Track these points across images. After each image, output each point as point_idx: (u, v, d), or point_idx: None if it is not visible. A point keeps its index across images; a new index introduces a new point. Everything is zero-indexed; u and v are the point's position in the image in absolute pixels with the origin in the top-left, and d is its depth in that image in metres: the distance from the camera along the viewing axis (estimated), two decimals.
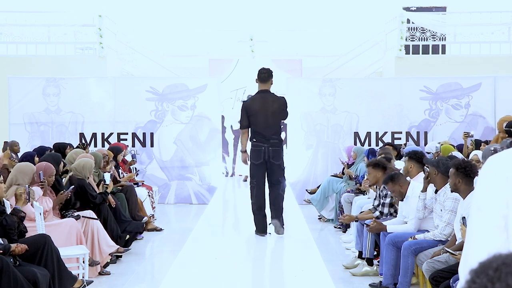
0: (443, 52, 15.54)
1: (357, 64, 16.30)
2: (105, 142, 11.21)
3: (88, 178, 7.05)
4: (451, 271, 4.49)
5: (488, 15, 15.00)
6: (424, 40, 15.06)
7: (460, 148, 9.22)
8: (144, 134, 11.36)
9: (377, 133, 11.25)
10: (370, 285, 5.83)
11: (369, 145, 10.99)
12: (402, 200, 6.01)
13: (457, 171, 4.79)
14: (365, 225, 6.26)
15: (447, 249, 4.76)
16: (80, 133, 11.29)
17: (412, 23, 14.86)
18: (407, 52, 14.81)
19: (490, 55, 14.72)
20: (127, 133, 11.34)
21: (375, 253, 6.30)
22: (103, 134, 11.32)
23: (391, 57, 14.84)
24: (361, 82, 12.16)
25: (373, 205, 6.73)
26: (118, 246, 6.62)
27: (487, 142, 8.89)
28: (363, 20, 17.04)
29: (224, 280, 6.11)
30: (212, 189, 11.48)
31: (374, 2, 17.49)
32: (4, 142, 10.37)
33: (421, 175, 6.08)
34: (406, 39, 14.63)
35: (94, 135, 11.31)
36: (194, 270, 6.47)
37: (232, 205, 11.98)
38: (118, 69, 15.36)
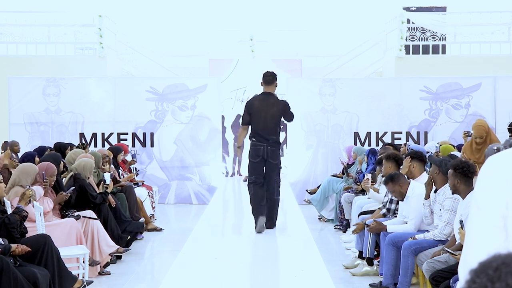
0: (443, 52, 15.54)
1: (357, 64, 16.30)
2: (105, 142, 11.21)
3: (89, 178, 7.05)
4: (451, 271, 4.48)
5: (488, 15, 15.00)
6: (424, 40, 15.06)
7: (460, 148, 9.22)
8: (144, 134, 11.36)
9: (377, 133, 11.25)
10: (370, 285, 5.83)
11: (369, 145, 10.99)
12: (402, 200, 6.01)
13: (455, 171, 4.78)
14: (365, 225, 6.26)
15: (447, 249, 4.76)
16: (80, 133, 11.29)
17: (412, 23, 14.87)
18: (407, 52, 14.82)
19: (490, 55, 14.73)
20: (127, 133, 11.34)
21: (375, 253, 6.30)
22: (103, 134, 11.32)
23: (391, 57, 14.84)
24: (361, 82, 12.16)
25: (383, 202, 6.71)
26: (118, 246, 6.62)
27: None
28: (363, 20, 17.04)
29: (224, 280, 6.11)
30: (212, 189, 11.48)
31: (374, 2, 17.49)
32: (4, 142, 10.37)
33: (423, 175, 6.08)
34: (406, 39, 14.63)
35: (94, 135, 11.31)
36: (194, 270, 6.47)
37: (232, 205, 11.99)
38: (118, 69, 15.36)
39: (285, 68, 16.09)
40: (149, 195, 9.38)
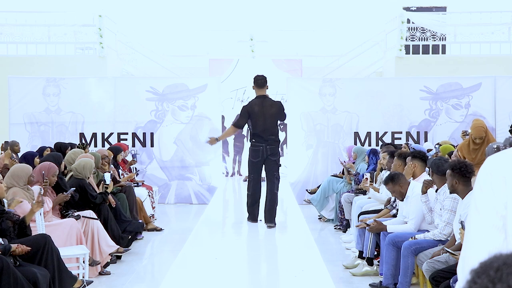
0: (443, 52, 15.54)
1: (357, 64, 16.30)
2: (105, 142, 11.21)
3: (89, 178, 7.05)
4: (451, 271, 4.48)
5: (488, 15, 15.00)
6: (424, 40, 15.06)
7: None
8: (144, 134, 11.35)
9: (377, 133, 11.25)
10: (370, 285, 5.83)
11: (369, 145, 10.99)
12: (402, 200, 6.02)
13: (453, 172, 4.78)
14: (365, 225, 6.26)
15: (447, 249, 4.76)
16: (80, 133, 11.29)
17: (412, 23, 14.87)
18: (407, 52, 14.82)
19: (490, 55, 14.73)
20: (127, 133, 11.34)
21: (375, 253, 6.30)
22: (103, 134, 11.32)
23: (391, 57, 14.84)
24: (361, 82, 12.15)
25: (390, 202, 6.71)
26: (118, 246, 6.62)
27: None
28: (363, 20, 17.05)
29: (224, 280, 6.11)
30: (212, 189, 11.48)
31: (374, 2, 17.49)
32: (5, 142, 10.37)
33: (424, 175, 6.09)
34: (406, 39, 14.63)
35: (94, 135, 11.31)
36: (194, 270, 6.48)
37: (232, 205, 11.98)
38: (118, 69, 15.36)
39: (285, 68, 16.10)
40: (149, 195, 9.38)
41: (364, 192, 7.98)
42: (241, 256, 7.43)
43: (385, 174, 7.35)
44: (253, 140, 8.78)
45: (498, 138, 10.43)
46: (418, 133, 11.22)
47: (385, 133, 11.24)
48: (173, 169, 11.41)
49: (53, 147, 9.31)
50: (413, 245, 5.35)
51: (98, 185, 7.32)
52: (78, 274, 5.71)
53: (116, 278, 6.21)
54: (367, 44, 16.31)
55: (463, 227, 4.51)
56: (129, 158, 10.31)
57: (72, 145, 9.42)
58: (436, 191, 5.51)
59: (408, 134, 11.21)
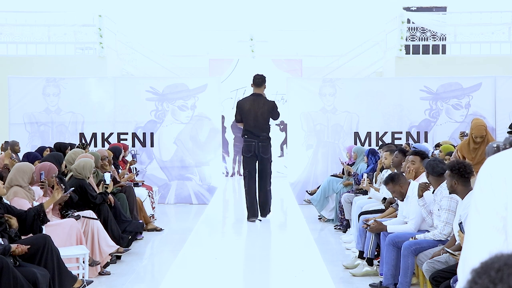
0: (443, 52, 15.54)
1: (357, 64, 16.29)
2: (105, 142, 11.20)
3: (88, 178, 7.04)
4: (451, 271, 4.48)
5: (489, 15, 15.00)
6: (424, 40, 15.06)
7: None
8: (144, 134, 11.35)
9: (377, 133, 11.24)
10: (370, 285, 5.82)
11: (369, 145, 10.98)
12: (402, 200, 6.01)
13: (452, 172, 4.78)
14: (366, 225, 6.25)
15: (447, 249, 4.76)
16: (80, 133, 11.29)
17: (412, 23, 14.87)
18: (407, 52, 14.82)
19: (491, 55, 14.72)
20: (127, 133, 11.34)
21: (375, 253, 6.29)
22: (103, 134, 11.32)
23: (391, 57, 14.83)
24: (361, 82, 12.15)
25: (390, 202, 6.70)
26: (118, 246, 6.62)
27: None
28: (363, 20, 17.05)
29: (224, 280, 6.11)
30: (212, 189, 11.48)
31: (374, 2, 17.49)
32: (5, 142, 10.37)
33: (423, 175, 6.08)
34: (406, 39, 14.63)
35: (94, 135, 11.31)
36: (194, 270, 6.47)
37: (232, 205, 11.98)
38: (118, 69, 15.36)
39: (285, 68, 16.09)
40: (149, 195, 9.37)
41: (364, 192, 7.97)
42: (241, 256, 7.42)
43: (385, 174, 7.34)
44: (246, 136, 9.16)
45: (498, 138, 10.43)
46: (418, 133, 11.22)
47: (385, 133, 11.24)
48: (173, 169, 11.41)
49: (52, 147, 9.31)
50: (413, 245, 5.34)
51: (98, 185, 7.32)
52: (78, 274, 5.70)
53: (116, 278, 6.21)
54: (367, 44, 16.31)
55: (461, 230, 4.50)
56: (129, 158, 10.30)
57: (71, 145, 9.42)
58: (432, 192, 5.50)
59: (408, 134, 11.21)
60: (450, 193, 4.94)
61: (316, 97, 11.27)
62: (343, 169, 9.46)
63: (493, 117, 11.11)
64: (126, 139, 11.27)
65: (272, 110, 9.14)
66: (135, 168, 10.47)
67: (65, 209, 6.44)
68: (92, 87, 11.43)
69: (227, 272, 6.43)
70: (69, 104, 11.29)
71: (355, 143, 11.01)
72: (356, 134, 11.24)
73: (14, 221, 4.97)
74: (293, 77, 14.10)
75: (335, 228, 8.82)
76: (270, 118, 9.23)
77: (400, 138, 11.12)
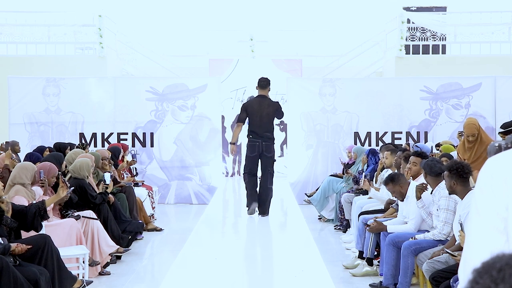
0: (443, 52, 15.54)
1: (357, 64, 16.29)
2: (105, 142, 11.20)
3: (88, 178, 7.03)
4: (451, 271, 4.48)
5: (489, 15, 15.00)
6: (424, 40, 15.06)
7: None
8: (144, 134, 11.35)
9: (377, 133, 11.24)
10: (370, 285, 5.82)
11: (369, 145, 10.98)
12: (402, 200, 6.01)
13: (450, 173, 4.78)
14: (366, 224, 6.25)
15: (447, 250, 4.76)
16: (80, 133, 11.28)
17: (412, 23, 14.86)
18: (407, 52, 14.81)
19: (490, 55, 14.72)
20: (127, 133, 11.34)
21: (375, 253, 6.29)
22: (103, 134, 11.31)
23: (391, 57, 14.83)
24: (361, 82, 12.15)
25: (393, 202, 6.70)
26: (118, 246, 6.61)
27: None
28: (363, 20, 17.04)
29: (224, 280, 6.11)
30: (212, 189, 11.47)
31: (374, 2, 17.49)
32: (6, 142, 10.36)
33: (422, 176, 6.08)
34: (406, 39, 14.63)
35: (94, 135, 11.30)
36: (194, 270, 6.47)
37: (232, 205, 11.97)
38: (118, 69, 15.36)
39: (285, 68, 16.09)
40: (149, 195, 9.37)
41: (364, 192, 7.97)
42: (241, 256, 7.42)
43: (385, 173, 7.34)
44: (250, 136, 9.47)
45: (499, 138, 10.42)
46: (418, 133, 11.22)
47: (385, 133, 11.24)
48: (173, 169, 11.40)
49: (52, 147, 9.30)
50: (413, 245, 5.34)
51: (98, 185, 7.31)
52: (78, 274, 5.70)
53: (116, 278, 6.21)
54: (367, 44, 16.31)
55: (462, 229, 4.50)
56: (129, 158, 10.30)
57: (71, 145, 9.41)
58: (431, 193, 5.50)
59: (408, 134, 11.20)
60: (449, 194, 4.95)
61: (316, 97, 11.27)
62: (343, 169, 9.46)
63: (493, 117, 11.11)
64: (126, 139, 11.27)
65: (277, 111, 9.54)
66: (135, 168, 10.47)
67: (65, 209, 6.44)
68: (92, 87, 11.43)
69: (227, 272, 6.43)
70: (69, 104, 11.29)
71: (355, 143, 11.01)
72: (356, 134, 11.24)
73: (4, 206, 4.93)
74: (293, 77, 14.10)
75: (335, 228, 8.82)
76: (275, 118, 9.59)
77: (400, 138, 11.12)
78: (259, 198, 9.44)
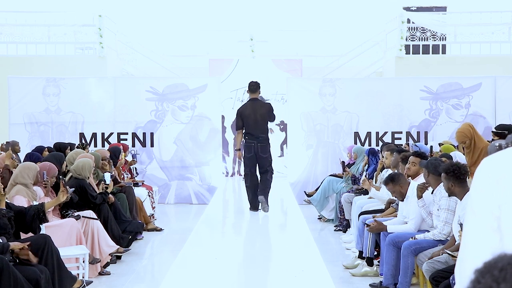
0: (443, 52, 15.54)
1: (357, 64, 16.29)
2: (105, 142, 11.20)
3: (88, 178, 7.03)
4: (451, 271, 4.48)
5: (489, 15, 15.00)
6: (424, 40, 15.06)
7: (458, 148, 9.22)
8: (144, 134, 11.35)
9: (377, 133, 11.24)
10: (370, 285, 5.82)
11: (369, 145, 10.98)
12: (402, 200, 6.01)
13: (447, 175, 4.79)
14: (365, 225, 6.25)
15: (447, 251, 4.76)
16: (80, 133, 11.28)
17: (413, 23, 14.86)
18: (407, 52, 14.81)
19: (491, 55, 14.72)
20: (127, 133, 11.34)
21: (375, 253, 6.29)
22: (103, 134, 11.31)
23: (391, 57, 14.83)
24: (361, 82, 12.15)
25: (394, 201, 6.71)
26: (118, 246, 6.61)
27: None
28: (363, 20, 17.04)
29: (224, 280, 6.11)
30: (212, 189, 11.47)
31: (374, 2, 17.49)
32: (6, 142, 10.36)
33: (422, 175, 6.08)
34: (406, 39, 14.62)
35: (94, 135, 11.30)
36: (194, 270, 6.47)
37: (232, 205, 11.97)
38: (118, 69, 15.36)
39: (285, 68, 16.09)
40: (149, 195, 9.37)
41: (364, 192, 7.97)
42: (241, 256, 7.42)
43: (385, 173, 7.34)
44: (246, 138, 9.97)
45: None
46: (418, 133, 11.22)
47: (385, 133, 11.24)
48: (173, 169, 11.40)
49: (51, 147, 9.30)
50: (413, 245, 5.34)
51: (98, 185, 7.31)
52: (78, 274, 5.70)
53: (116, 278, 6.21)
54: (367, 44, 16.30)
55: (462, 230, 4.50)
56: (129, 158, 10.30)
57: (71, 145, 9.41)
58: (432, 192, 5.50)
59: (408, 134, 11.21)
60: (448, 196, 4.95)
61: (316, 97, 11.27)
62: (342, 167, 9.45)
63: (493, 117, 11.11)
64: (126, 139, 11.26)
65: (269, 112, 9.98)
66: (135, 168, 10.47)
67: (65, 209, 6.44)
68: (92, 87, 11.43)
69: (227, 272, 6.43)
70: (69, 104, 11.29)
71: (355, 143, 11.01)
72: (356, 134, 11.24)
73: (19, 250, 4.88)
74: (293, 77, 14.10)
75: (335, 228, 8.82)
76: (268, 120, 10.02)
77: (400, 138, 11.12)
78: (260, 189, 9.85)
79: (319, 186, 9.70)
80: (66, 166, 7.43)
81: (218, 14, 17.70)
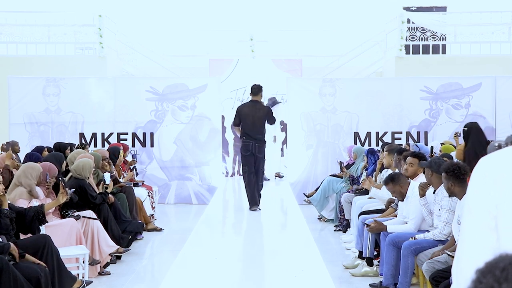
0: (443, 52, 15.53)
1: (357, 64, 16.28)
2: (105, 142, 11.20)
3: (88, 178, 7.03)
4: (451, 271, 4.48)
5: (489, 15, 14.99)
6: (424, 40, 15.05)
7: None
8: (144, 134, 11.35)
9: (377, 133, 11.24)
10: (370, 285, 5.82)
11: (369, 145, 10.98)
12: (402, 200, 6.01)
13: (447, 175, 4.78)
14: (365, 225, 6.25)
15: (447, 251, 4.75)
16: (80, 133, 11.28)
17: (412, 23, 14.86)
18: (407, 52, 14.81)
19: (490, 55, 14.72)
20: (127, 133, 11.33)
21: (375, 253, 6.29)
22: (103, 134, 11.31)
23: (391, 57, 14.83)
24: (361, 82, 12.15)
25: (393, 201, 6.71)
26: (118, 246, 6.61)
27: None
28: (363, 20, 17.03)
29: (224, 280, 6.11)
30: (212, 189, 11.47)
31: (374, 2, 17.48)
32: (7, 142, 10.35)
33: (422, 175, 6.07)
34: (406, 39, 14.62)
35: (94, 135, 11.30)
36: (194, 270, 6.47)
37: (232, 205, 11.97)
38: (118, 69, 15.35)
39: (285, 68, 16.09)
40: (149, 195, 9.37)
41: (364, 192, 7.97)
42: (241, 256, 7.42)
43: (385, 173, 7.34)
44: (244, 137, 10.35)
45: (498, 138, 10.43)
46: (418, 133, 11.22)
47: (385, 133, 11.24)
48: (173, 169, 11.40)
49: (51, 147, 9.30)
50: (413, 245, 5.34)
51: (98, 185, 7.31)
52: (78, 274, 5.70)
53: (116, 278, 6.21)
54: (367, 44, 16.30)
55: None
56: (129, 158, 10.30)
57: (71, 145, 9.41)
58: (434, 192, 5.49)
59: (408, 134, 11.20)
60: (449, 196, 4.95)
61: (316, 97, 11.27)
62: (340, 167, 9.44)
63: (493, 117, 11.11)
64: (126, 139, 11.26)
65: (267, 115, 10.36)
66: (135, 168, 10.47)
67: (65, 209, 6.44)
68: (92, 87, 11.43)
69: (227, 272, 6.43)
70: (69, 104, 11.28)
71: (355, 143, 11.01)
72: (356, 134, 11.24)
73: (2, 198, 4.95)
74: (293, 77, 14.10)
75: (335, 228, 8.81)
76: (267, 123, 10.42)
77: (400, 138, 11.11)
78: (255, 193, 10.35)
79: (319, 186, 9.70)
80: (67, 166, 7.43)
81: (218, 14, 17.69)
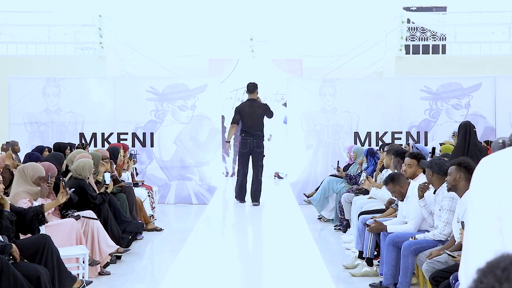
0: (443, 52, 15.54)
1: (357, 64, 16.28)
2: (105, 142, 11.20)
3: (88, 178, 7.03)
4: (451, 271, 4.48)
5: (489, 15, 14.99)
6: (424, 40, 15.06)
7: None
8: (144, 134, 11.34)
9: (377, 133, 11.24)
10: (370, 285, 5.82)
11: (369, 145, 10.98)
12: (402, 200, 6.01)
13: (459, 166, 4.78)
14: (365, 225, 6.25)
15: (447, 251, 4.75)
16: (80, 133, 11.28)
17: (412, 23, 14.86)
18: (407, 52, 14.81)
19: (490, 55, 14.72)
20: (127, 133, 11.33)
21: (375, 253, 6.29)
22: (103, 134, 11.31)
23: (391, 57, 14.83)
24: (361, 82, 12.15)
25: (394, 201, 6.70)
26: (118, 246, 6.61)
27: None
28: (363, 20, 17.04)
29: (224, 280, 6.11)
30: (212, 189, 11.47)
31: (374, 2, 17.49)
32: (6, 142, 10.35)
33: (421, 176, 6.07)
34: (406, 39, 14.62)
35: (94, 135, 11.30)
36: (194, 270, 6.47)
37: (232, 205, 11.97)
38: (118, 69, 15.35)
39: (285, 68, 16.10)
40: (149, 195, 9.36)
41: (364, 192, 7.97)
42: (241, 256, 7.42)
43: (385, 173, 7.34)
44: (243, 135, 10.80)
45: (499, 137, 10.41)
46: (418, 133, 11.22)
47: (385, 133, 11.24)
48: (173, 169, 11.40)
49: (51, 147, 9.30)
50: (413, 245, 5.34)
51: (97, 185, 7.30)
52: (78, 274, 5.70)
53: (116, 278, 6.21)
54: (367, 44, 16.30)
55: (463, 227, 4.50)
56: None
57: (71, 145, 9.40)
58: (434, 192, 5.49)
59: (408, 134, 11.20)
60: (448, 190, 4.93)
61: (316, 97, 11.27)
62: (341, 167, 9.44)
63: (493, 117, 11.11)
64: (126, 139, 11.26)
65: (265, 111, 10.86)
66: (135, 168, 10.46)
67: (65, 209, 6.43)
68: (92, 87, 11.43)
69: (227, 272, 6.43)
70: (69, 104, 11.28)
71: (355, 143, 11.00)
72: (356, 134, 11.24)
73: (2, 201, 4.95)
74: (293, 77, 14.10)
75: (335, 228, 8.82)
76: (266, 117, 10.87)
77: (400, 138, 11.11)
78: (252, 188, 10.78)
79: (319, 186, 9.70)
80: (67, 166, 7.43)
81: (218, 14, 17.70)
